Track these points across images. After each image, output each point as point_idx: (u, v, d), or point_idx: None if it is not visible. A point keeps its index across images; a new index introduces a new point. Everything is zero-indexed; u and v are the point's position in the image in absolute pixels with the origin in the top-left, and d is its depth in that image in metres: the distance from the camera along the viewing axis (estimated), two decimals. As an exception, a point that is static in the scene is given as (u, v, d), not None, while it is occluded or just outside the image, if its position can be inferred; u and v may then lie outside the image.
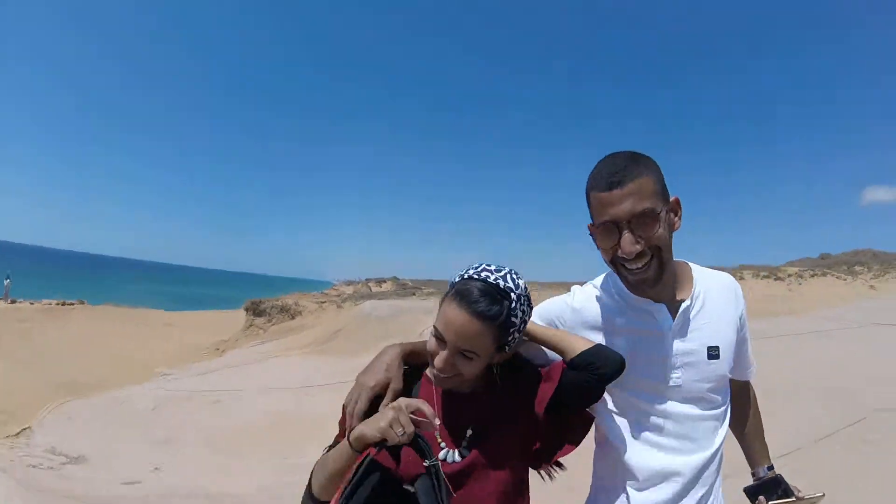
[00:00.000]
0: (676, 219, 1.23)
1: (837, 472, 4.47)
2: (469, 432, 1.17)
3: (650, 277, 1.19)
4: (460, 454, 1.15)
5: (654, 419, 1.27)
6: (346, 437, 1.08)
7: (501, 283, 1.11)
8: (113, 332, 17.61)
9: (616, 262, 1.21)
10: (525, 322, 1.16)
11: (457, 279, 1.15)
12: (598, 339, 1.28)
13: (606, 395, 1.27)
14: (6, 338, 14.78)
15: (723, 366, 1.30)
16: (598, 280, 1.39)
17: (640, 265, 1.17)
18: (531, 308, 1.19)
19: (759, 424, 1.53)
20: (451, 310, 1.09)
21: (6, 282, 22.84)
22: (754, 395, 1.55)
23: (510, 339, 1.13)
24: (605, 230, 1.18)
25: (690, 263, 1.38)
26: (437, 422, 1.04)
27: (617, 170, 1.15)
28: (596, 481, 1.39)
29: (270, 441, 7.92)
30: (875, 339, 10.38)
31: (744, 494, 1.43)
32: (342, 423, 1.17)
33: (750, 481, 1.45)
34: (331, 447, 1.15)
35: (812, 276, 20.90)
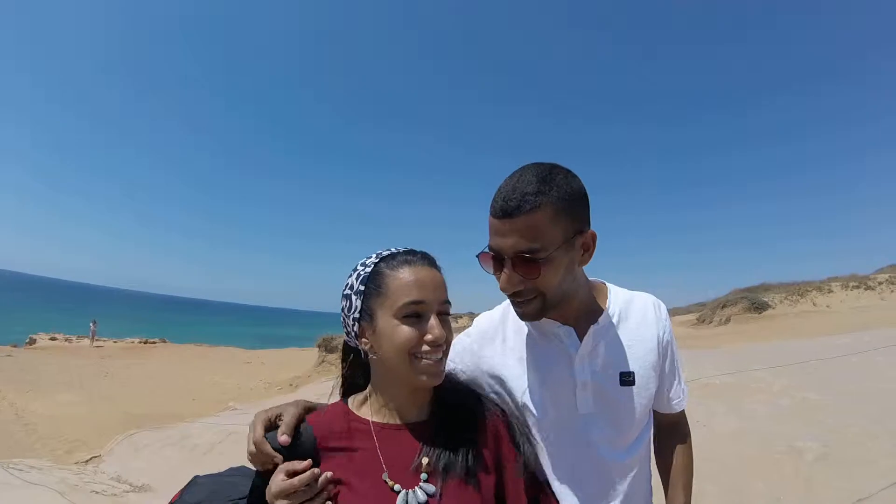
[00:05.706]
0: (585, 255, 1.12)
1: None
2: (425, 461, 0.98)
3: (529, 312, 1.11)
4: (424, 491, 0.96)
5: (569, 456, 1.17)
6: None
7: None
8: (192, 368, 18.36)
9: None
10: None
11: (386, 254, 1.05)
12: (509, 364, 1.22)
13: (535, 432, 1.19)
14: (87, 372, 15.64)
15: (641, 393, 1.20)
16: (506, 302, 1.29)
17: (519, 299, 1.10)
18: None
19: (685, 468, 1.34)
20: (416, 272, 1.00)
21: (92, 326, 24.63)
22: (688, 433, 1.38)
23: None
24: (489, 257, 1.10)
25: (609, 284, 1.30)
26: (322, 473, 0.96)
27: (514, 195, 1.02)
28: None
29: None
30: None
31: None
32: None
33: None
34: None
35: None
